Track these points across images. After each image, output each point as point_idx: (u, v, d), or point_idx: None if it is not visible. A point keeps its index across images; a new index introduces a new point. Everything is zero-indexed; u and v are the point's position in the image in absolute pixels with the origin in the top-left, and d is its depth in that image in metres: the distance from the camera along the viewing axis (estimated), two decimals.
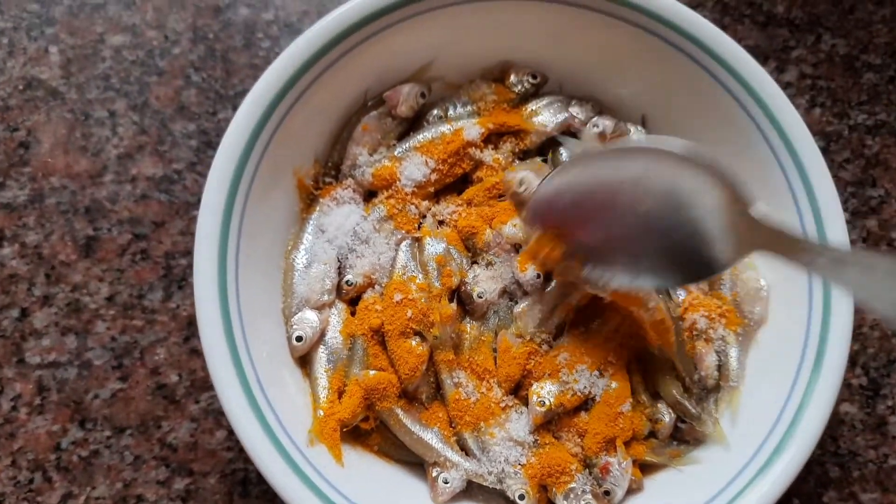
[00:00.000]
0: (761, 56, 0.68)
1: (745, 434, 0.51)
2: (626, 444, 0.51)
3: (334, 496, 0.45)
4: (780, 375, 0.50)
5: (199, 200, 0.62)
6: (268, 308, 0.51)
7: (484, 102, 0.58)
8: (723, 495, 0.47)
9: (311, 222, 0.55)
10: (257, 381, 0.45)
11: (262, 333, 0.49)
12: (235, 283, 0.46)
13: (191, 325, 0.60)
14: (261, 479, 0.57)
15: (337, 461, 0.48)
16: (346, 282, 0.53)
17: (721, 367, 0.54)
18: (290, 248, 0.54)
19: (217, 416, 0.59)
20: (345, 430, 0.50)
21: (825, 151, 0.52)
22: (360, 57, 0.52)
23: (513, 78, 0.58)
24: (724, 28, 0.67)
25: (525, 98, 0.58)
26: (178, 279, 0.61)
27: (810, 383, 0.48)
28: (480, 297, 0.52)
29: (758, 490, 0.46)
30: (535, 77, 0.58)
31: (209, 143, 0.63)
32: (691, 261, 0.46)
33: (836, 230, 0.50)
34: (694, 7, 0.68)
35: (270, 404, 0.46)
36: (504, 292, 0.54)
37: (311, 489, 0.44)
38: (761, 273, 0.54)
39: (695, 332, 0.54)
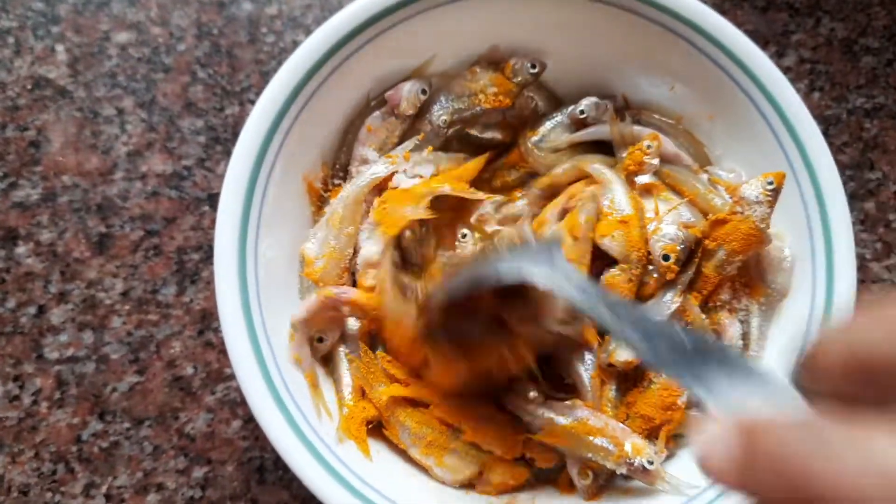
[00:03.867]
0: (761, 40, 0.68)
1: None
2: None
3: (369, 493, 0.46)
4: (789, 351, 0.50)
5: (208, 196, 0.64)
6: (288, 313, 0.52)
7: (485, 95, 0.58)
8: None
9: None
10: (284, 386, 0.47)
11: (285, 339, 0.50)
12: (257, 296, 0.47)
13: (204, 318, 0.62)
14: (277, 466, 0.59)
15: (366, 456, 0.50)
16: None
17: (744, 336, 0.53)
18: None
19: (232, 406, 0.60)
20: (370, 426, 0.52)
21: (824, 135, 0.52)
22: (362, 58, 0.52)
23: (513, 66, 0.58)
24: (723, 13, 0.67)
25: (525, 85, 0.58)
26: (191, 274, 0.62)
27: None
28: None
29: None
30: (534, 66, 0.57)
31: (217, 139, 0.64)
32: None
33: (838, 211, 0.51)
34: None
35: (299, 407, 0.47)
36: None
37: (346, 488, 0.45)
38: (787, 243, 0.53)
39: (718, 303, 0.53)
